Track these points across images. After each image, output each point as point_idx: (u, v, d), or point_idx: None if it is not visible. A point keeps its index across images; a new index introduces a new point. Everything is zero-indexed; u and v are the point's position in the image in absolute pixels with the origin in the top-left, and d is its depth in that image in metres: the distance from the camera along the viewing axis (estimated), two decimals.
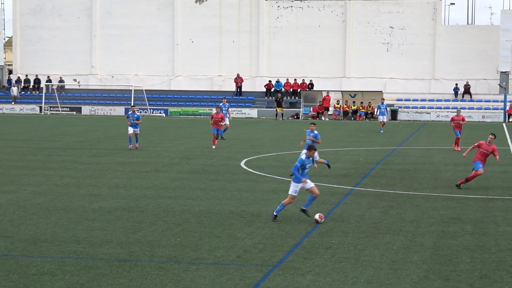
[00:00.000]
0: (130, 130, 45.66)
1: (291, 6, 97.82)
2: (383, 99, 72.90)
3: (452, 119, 49.01)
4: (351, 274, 17.89)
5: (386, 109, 68.31)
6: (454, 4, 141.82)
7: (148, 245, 20.60)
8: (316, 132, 34.54)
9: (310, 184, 24.20)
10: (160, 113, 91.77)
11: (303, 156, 24.30)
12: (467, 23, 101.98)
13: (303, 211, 24.40)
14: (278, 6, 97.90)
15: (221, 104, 53.94)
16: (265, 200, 28.36)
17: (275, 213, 24.21)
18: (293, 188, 24.11)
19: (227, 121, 53.06)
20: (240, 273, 17.89)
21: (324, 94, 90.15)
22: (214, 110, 50.84)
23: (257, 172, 36.05)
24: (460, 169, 38.44)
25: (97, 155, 43.84)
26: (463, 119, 49.03)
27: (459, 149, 46.73)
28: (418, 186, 32.31)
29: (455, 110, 51.93)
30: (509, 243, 21.32)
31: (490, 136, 30.79)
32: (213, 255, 19.57)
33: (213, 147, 46.80)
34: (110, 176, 34.73)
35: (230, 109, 59.10)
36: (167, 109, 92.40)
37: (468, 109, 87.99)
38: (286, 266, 18.55)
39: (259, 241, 21.27)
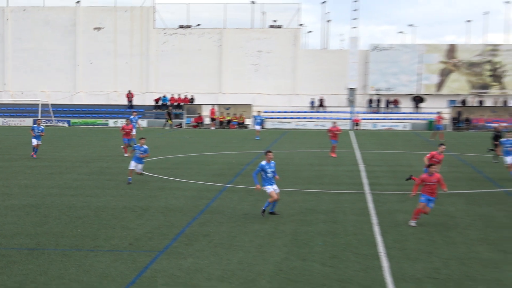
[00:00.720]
0: (34, 141, 44.02)
1: (176, 33, 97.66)
2: (259, 111, 73.78)
3: (330, 130, 47.20)
4: (225, 257, 18.05)
5: (262, 120, 68.81)
6: (311, 32, 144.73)
7: (53, 236, 20.38)
8: (145, 146, 32.51)
9: (269, 189, 23.75)
10: (64, 123, 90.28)
11: (263, 162, 23.84)
12: (322, 48, 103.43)
13: (271, 213, 24.07)
14: (165, 33, 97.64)
15: (131, 116, 53.25)
16: (153, 196, 28.31)
17: (263, 208, 23.91)
18: (266, 188, 23.74)
19: (134, 131, 52.57)
20: (132, 258, 17.88)
21: (210, 107, 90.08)
22: (123, 122, 50.20)
23: (147, 173, 35.90)
24: (315, 168, 39.03)
25: (10, 160, 42.94)
26: (338, 130, 47.12)
27: (335, 155, 46.14)
28: (281, 183, 32.55)
29: (332, 122, 50.00)
30: (355, 229, 21.79)
31: (443, 146, 29.78)
32: (109, 243, 19.49)
33: (126, 154, 45.67)
34: (21, 177, 34.11)
35: (139, 120, 58.38)
36: (70, 120, 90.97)
37: (322, 119, 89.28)
38: (171, 251, 18.60)
39: (148, 231, 21.24)
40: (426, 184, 22.22)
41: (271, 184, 23.73)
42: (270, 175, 23.66)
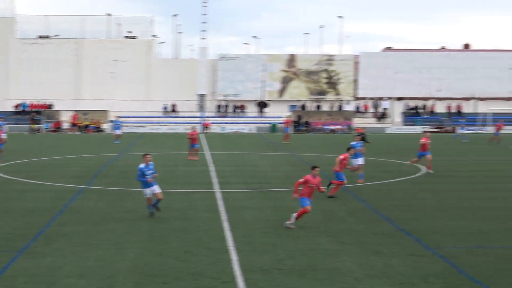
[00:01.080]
0: None
1: (35, 43, 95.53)
2: (118, 116, 73.17)
3: (191, 135, 45.22)
4: (84, 255, 17.56)
5: (120, 124, 67.62)
6: (164, 42, 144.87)
7: None
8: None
9: (157, 189, 22.96)
10: None
11: (141, 165, 22.73)
12: (174, 57, 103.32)
13: (154, 206, 23.29)
14: (25, 42, 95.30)
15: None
16: (13, 198, 27.31)
17: (150, 211, 23.11)
18: (144, 192, 22.95)
19: (4, 136, 50.21)
20: None
21: (69, 113, 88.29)
22: None
23: (6, 176, 34.63)
24: (168, 169, 38.65)
25: None
26: (196, 133, 45.86)
27: (197, 158, 44.80)
28: (136, 183, 32.21)
29: (190, 127, 48.55)
30: (205, 225, 21.67)
31: (352, 150, 29.63)
32: None
33: None
34: None
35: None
36: None
37: (175, 123, 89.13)
38: (30, 251, 17.93)
39: (8, 232, 20.42)
40: (308, 186, 21.29)
41: (151, 186, 22.98)
42: (149, 177, 22.82)
